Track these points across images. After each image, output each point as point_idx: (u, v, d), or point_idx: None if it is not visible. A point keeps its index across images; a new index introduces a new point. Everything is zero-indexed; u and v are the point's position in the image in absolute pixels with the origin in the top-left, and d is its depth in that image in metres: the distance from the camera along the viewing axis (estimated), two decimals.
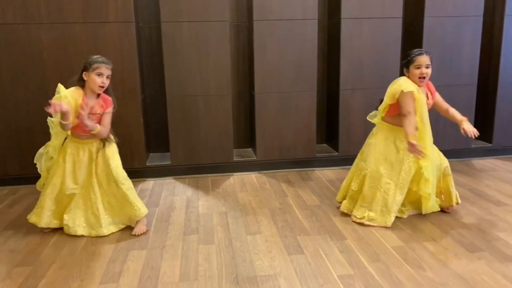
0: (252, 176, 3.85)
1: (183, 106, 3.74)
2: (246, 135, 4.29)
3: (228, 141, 3.87)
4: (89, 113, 2.55)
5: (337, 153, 4.07)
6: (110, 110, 2.67)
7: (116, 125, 3.61)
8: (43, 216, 2.65)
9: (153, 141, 4.15)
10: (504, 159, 4.16)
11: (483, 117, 4.26)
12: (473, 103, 4.07)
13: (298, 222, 2.82)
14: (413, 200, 2.88)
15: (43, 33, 3.44)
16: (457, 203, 2.90)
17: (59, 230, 2.74)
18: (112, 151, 2.70)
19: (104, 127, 2.63)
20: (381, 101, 2.84)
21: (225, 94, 3.78)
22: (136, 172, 3.70)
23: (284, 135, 3.95)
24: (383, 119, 2.85)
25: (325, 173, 3.88)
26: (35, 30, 3.42)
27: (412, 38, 4.12)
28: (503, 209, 2.94)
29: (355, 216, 2.79)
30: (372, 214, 2.74)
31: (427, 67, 2.70)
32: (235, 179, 3.77)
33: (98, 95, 2.65)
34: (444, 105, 2.90)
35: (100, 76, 2.56)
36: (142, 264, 2.30)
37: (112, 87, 2.73)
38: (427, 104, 2.76)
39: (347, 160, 4.03)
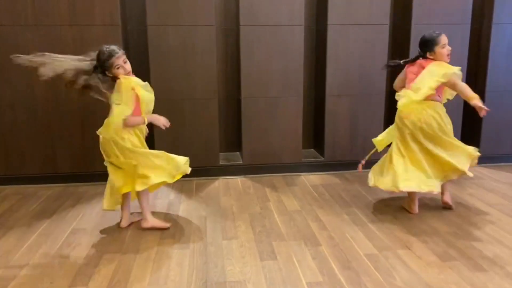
0: (237, 180, 3.86)
1: (169, 109, 3.73)
2: (234, 139, 4.30)
3: (214, 145, 3.88)
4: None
5: (323, 159, 4.08)
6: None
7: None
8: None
9: None
10: (490, 167, 4.15)
11: (471, 125, 4.25)
12: (461, 110, 4.07)
13: (276, 227, 2.82)
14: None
15: (30, 35, 3.46)
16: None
17: (37, 231, 2.76)
18: None
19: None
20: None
21: (211, 98, 3.79)
22: None
23: (270, 140, 3.96)
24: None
25: (310, 178, 3.88)
26: (22, 31, 3.45)
27: (399, 45, 4.13)
28: (482, 219, 2.94)
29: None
30: None
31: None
32: (220, 183, 3.78)
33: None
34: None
35: (121, 68, 2.62)
36: (114, 267, 2.31)
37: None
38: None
39: (333, 166, 4.06)
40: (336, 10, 3.78)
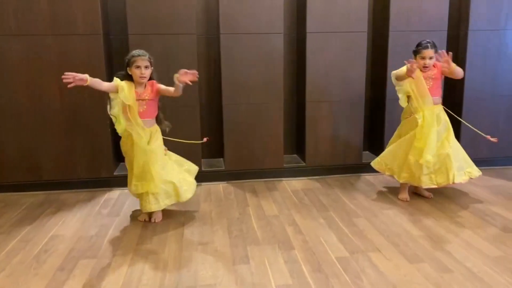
0: (219, 186, 3.91)
1: None
2: (218, 145, 4.35)
3: (196, 151, 3.93)
4: (138, 99, 2.92)
5: (304, 164, 4.14)
6: (160, 84, 3.02)
7: (84, 134, 3.70)
8: None
9: (121, 151, 4.20)
10: None
11: None
12: None
13: (252, 232, 2.87)
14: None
15: (13, 45, 3.52)
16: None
17: (17, 238, 2.81)
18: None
19: (172, 90, 2.97)
20: None
21: (194, 105, 3.85)
22: (103, 182, 3.78)
23: (252, 146, 4.02)
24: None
25: (292, 183, 3.94)
26: (5, 41, 3.50)
27: (377, 51, 4.21)
28: (455, 221, 3.00)
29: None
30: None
31: (430, 59, 3.19)
32: (201, 189, 3.83)
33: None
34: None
35: (138, 68, 2.87)
36: (89, 272, 2.36)
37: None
38: (432, 75, 3.25)
39: (314, 171, 4.12)
40: (315, 19, 3.86)
